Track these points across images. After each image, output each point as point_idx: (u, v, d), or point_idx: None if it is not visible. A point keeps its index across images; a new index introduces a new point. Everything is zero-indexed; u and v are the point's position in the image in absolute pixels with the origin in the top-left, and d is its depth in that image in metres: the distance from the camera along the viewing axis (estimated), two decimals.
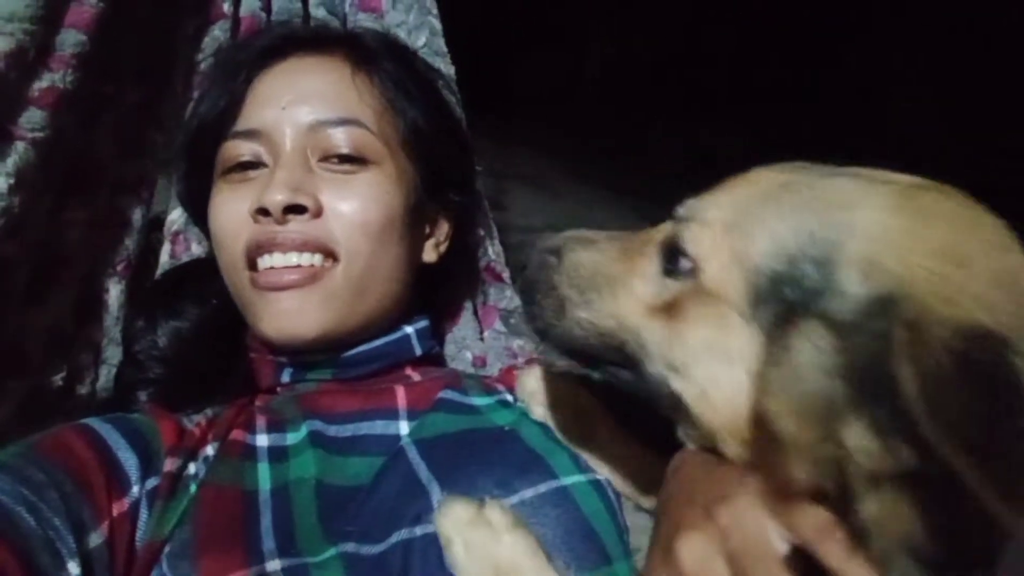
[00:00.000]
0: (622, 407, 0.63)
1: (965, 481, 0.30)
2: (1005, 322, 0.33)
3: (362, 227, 0.68)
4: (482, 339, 0.89)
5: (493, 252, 0.93)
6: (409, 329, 0.74)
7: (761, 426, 0.38)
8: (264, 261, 0.67)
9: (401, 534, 0.57)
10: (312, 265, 0.66)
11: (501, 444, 0.64)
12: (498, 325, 0.89)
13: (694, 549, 0.37)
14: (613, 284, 0.47)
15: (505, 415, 0.68)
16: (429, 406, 0.68)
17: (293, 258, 0.66)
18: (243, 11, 0.89)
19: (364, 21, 0.93)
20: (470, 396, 0.70)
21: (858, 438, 0.33)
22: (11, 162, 0.67)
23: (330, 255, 0.67)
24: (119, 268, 0.81)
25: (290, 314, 0.66)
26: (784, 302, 0.38)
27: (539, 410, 0.66)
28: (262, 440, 0.64)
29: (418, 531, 0.57)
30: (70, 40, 0.70)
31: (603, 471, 0.63)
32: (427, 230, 0.78)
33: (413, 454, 0.63)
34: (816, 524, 0.34)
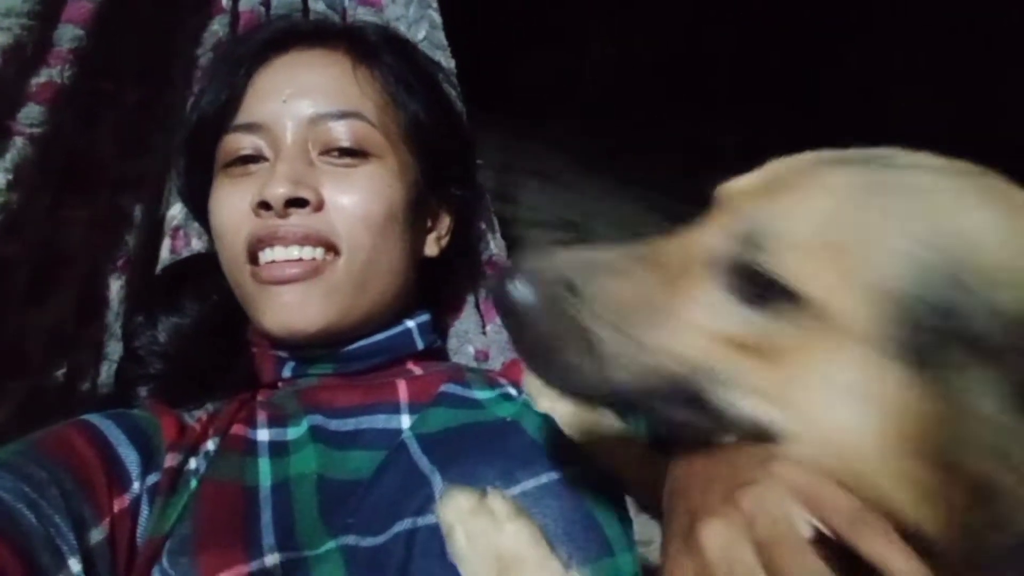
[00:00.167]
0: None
1: None
2: None
3: (363, 220, 0.67)
4: (484, 333, 0.89)
5: (495, 246, 0.93)
6: (411, 323, 0.74)
7: (924, 465, 0.34)
8: (265, 255, 0.67)
9: (404, 524, 0.56)
10: (313, 259, 0.66)
11: (503, 435, 0.64)
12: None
13: (718, 536, 0.36)
14: (662, 315, 0.41)
15: (507, 407, 0.68)
16: (431, 400, 0.68)
17: (295, 252, 0.66)
18: (242, 6, 0.89)
19: (364, 15, 0.93)
20: (472, 390, 0.70)
21: None
22: (9, 158, 0.66)
23: (331, 249, 0.67)
24: (119, 264, 0.81)
25: (292, 308, 0.66)
26: (922, 328, 0.34)
27: (545, 403, 0.66)
28: (263, 435, 0.64)
29: (420, 521, 0.56)
30: (68, 35, 0.70)
31: (606, 465, 0.63)
32: (428, 224, 0.78)
33: (415, 448, 0.62)
34: (845, 510, 0.33)
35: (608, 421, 0.66)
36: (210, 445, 0.62)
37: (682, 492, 0.41)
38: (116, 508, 0.54)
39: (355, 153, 0.69)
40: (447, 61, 0.92)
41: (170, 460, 0.59)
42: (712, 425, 0.40)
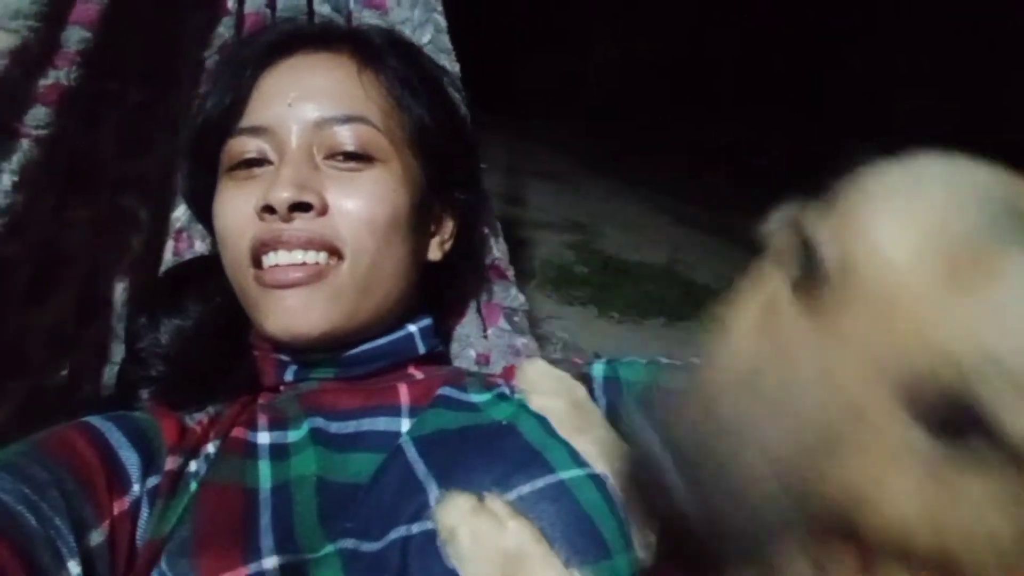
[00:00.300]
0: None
1: None
2: None
3: (368, 225, 0.67)
4: (486, 337, 0.89)
5: (498, 250, 0.93)
6: (413, 327, 0.74)
7: None
8: (269, 259, 0.67)
9: (399, 531, 0.56)
10: (317, 263, 0.66)
11: (499, 440, 0.64)
12: (502, 323, 0.89)
13: None
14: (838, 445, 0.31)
15: (503, 408, 0.68)
16: (428, 404, 0.68)
17: (298, 256, 0.66)
18: (248, 8, 0.88)
19: (369, 17, 0.93)
20: (469, 393, 0.70)
21: None
22: (15, 160, 0.66)
23: (335, 253, 0.67)
24: (123, 265, 0.81)
25: (295, 312, 0.66)
26: None
27: (538, 400, 0.66)
28: (263, 438, 0.64)
29: (415, 528, 0.56)
30: (75, 37, 0.70)
31: (600, 466, 0.63)
32: (432, 228, 0.78)
33: (411, 452, 0.62)
34: None
35: (600, 420, 0.66)
36: (211, 448, 0.62)
37: None
38: (116, 510, 0.54)
39: (360, 157, 0.69)
40: (452, 64, 0.92)
41: (170, 463, 0.59)
42: None
